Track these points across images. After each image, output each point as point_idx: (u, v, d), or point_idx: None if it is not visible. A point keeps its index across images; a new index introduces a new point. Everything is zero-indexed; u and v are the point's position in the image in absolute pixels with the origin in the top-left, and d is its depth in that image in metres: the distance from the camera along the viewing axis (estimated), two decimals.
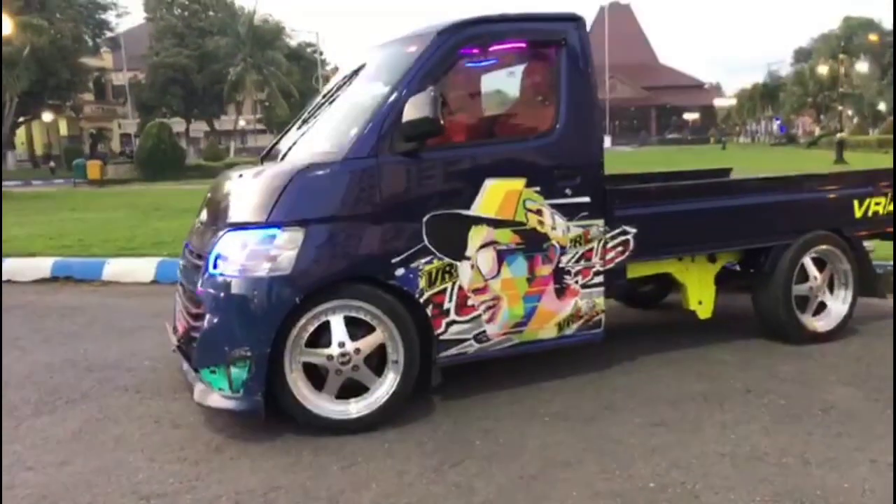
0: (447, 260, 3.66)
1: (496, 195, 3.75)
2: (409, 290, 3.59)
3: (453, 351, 3.76)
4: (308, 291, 3.41)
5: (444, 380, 3.85)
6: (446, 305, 3.69)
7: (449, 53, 3.74)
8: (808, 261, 4.66)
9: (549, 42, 3.99)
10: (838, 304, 4.78)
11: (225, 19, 49.34)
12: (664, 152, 42.28)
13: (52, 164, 39.43)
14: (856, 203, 4.79)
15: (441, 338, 3.71)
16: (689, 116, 70.80)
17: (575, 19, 4.01)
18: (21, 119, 42.92)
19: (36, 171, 42.03)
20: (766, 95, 58.96)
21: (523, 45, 4.08)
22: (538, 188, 3.84)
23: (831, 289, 4.81)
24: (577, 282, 4.00)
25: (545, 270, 3.91)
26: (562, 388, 4.06)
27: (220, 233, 3.60)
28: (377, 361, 3.59)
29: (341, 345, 3.48)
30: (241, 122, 57.05)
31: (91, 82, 49.19)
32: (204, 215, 4.03)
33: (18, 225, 12.13)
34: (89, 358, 4.94)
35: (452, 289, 3.69)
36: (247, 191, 3.68)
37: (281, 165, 3.77)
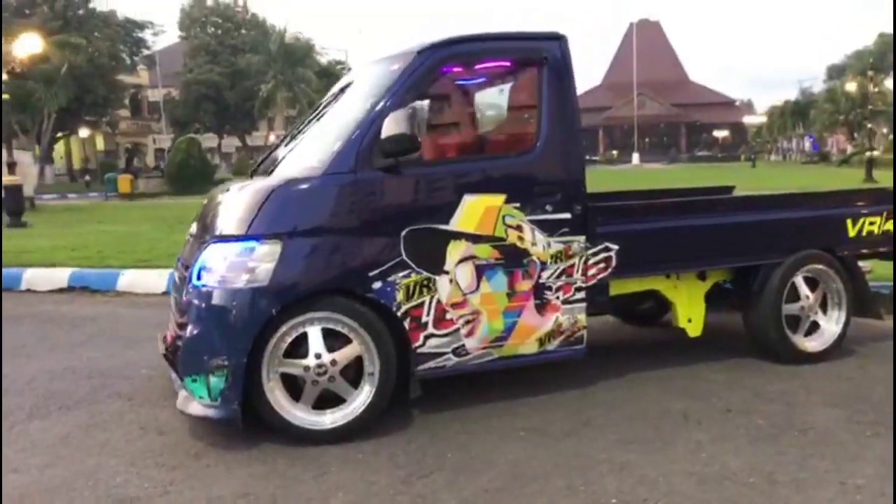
0: (425, 274, 3.72)
1: (475, 211, 3.80)
2: (386, 303, 3.65)
3: (431, 364, 3.80)
4: (285, 303, 3.49)
5: (424, 393, 3.89)
6: (424, 319, 3.74)
7: (429, 72, 3.82)
8: (799, 280, 4.63)
9: (531, 61, 4.05)
10: (831, 325, 4.73)
11: (257, 37, 50.17)
12: (691, 170, 41.87)
13: (87, 177, 40.31)
14: (849, 222, 4.75)
15: (419, 351, 3.75)
16: (720, 134, 70.17)
17: (557, 38, 4.07)
18: (59, 134, 43.98)
19: (72, 184, 42.98)
20: (797, 113, 58.22)
21: (505, 63, 4.15)
22: (518, 204, 3.88)
23: (825, 309, 4.76)
24: (558, 297, 4.02)
25: (525, 286, 3.94)
26: (543, 403, 4.07)
27: (205, 245, 3.70)
28: (354, 373, 3.64)
29: (318, 356, 3.55)
30: (272, 138, 57.77)
31: (127, 99, 50.34)
32: (194, 228, 4.14)
33: (45, 237, 12.46)
34: (90, 366, 5.08)
35: (430, 302, 3.74)
36: (231, 205, 3.78)
37: (264, 180, 3.87)
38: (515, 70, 4.20)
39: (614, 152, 67.71)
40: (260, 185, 3.75)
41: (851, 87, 43.45)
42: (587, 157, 55.36)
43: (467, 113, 4.38)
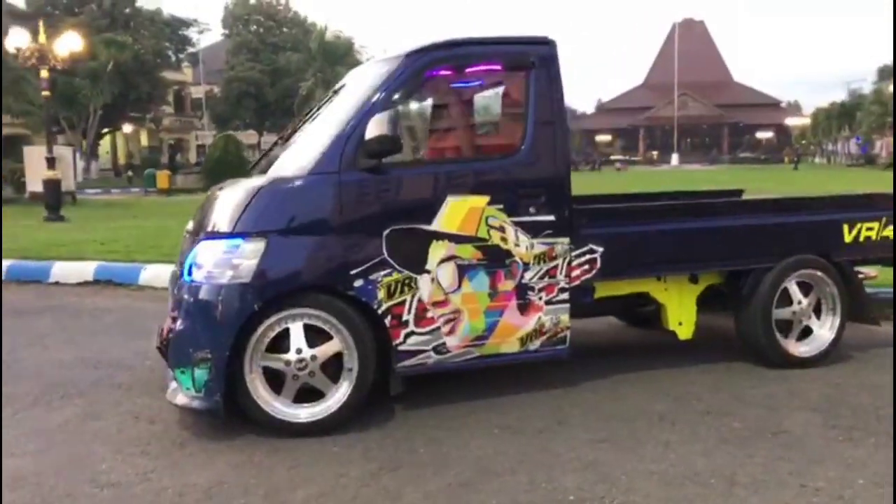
0: (407, 273, 3.81)
1: (458, 212, 3.88)
2: (367, 300, 3.75)
3: (412, 361, 3.90)
4: (267, 299, 3.61)
5: (406, 389, 4.00)
6: (405, 317, 3.83)
7: (415, 75, 3.91)
8: (791, 285, 4.61)
9: (519, 65, 4.11)
10: (824, 330, 4.69)
11: (297, 36, 50.81)
12: (729, 171, 41.28)
13: (129, 173, 41.30)
14: (845, 227, 4.70)
15: (400, 348, 3.85)
16: (763, 135, 68.89)
17: (546, 43, 4.12)
18: (104, 130, 45.11)
19: (116, 179, 44.07)
20: (843, 114, 56.82)
21: (492, 67, 4.22)
22: (501, 206, 3.95)
23: (819, 314, 4.73)
24: (540, 298, 4.08)
25: (508, 286, 4.01)
26: (523, 401, 4.14)
27: (197, 242, 3.85)
28: (335, 369, 3.75)
29: (298, 351, 3.67)
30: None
31: (171, 96, 51.44)
32: (191, 225, 4.30)
33: (79, 230, 12.88)
34: (98, 356, 5.28)
35: (412, 301, 3.83)
36: (222, 203, 3.91)
37: (254, 179, 3.99)
38: (503, 74, 4.27)
39: (654, 153, 66.96)
40: (248, 184, 3.88)
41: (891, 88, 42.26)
42: (628, 158, 54.67)
43: (454, 116, 4.45)
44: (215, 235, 3.75)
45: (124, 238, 11.39)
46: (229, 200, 3.84)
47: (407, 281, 3.81)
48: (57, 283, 8.58)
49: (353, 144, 3.73)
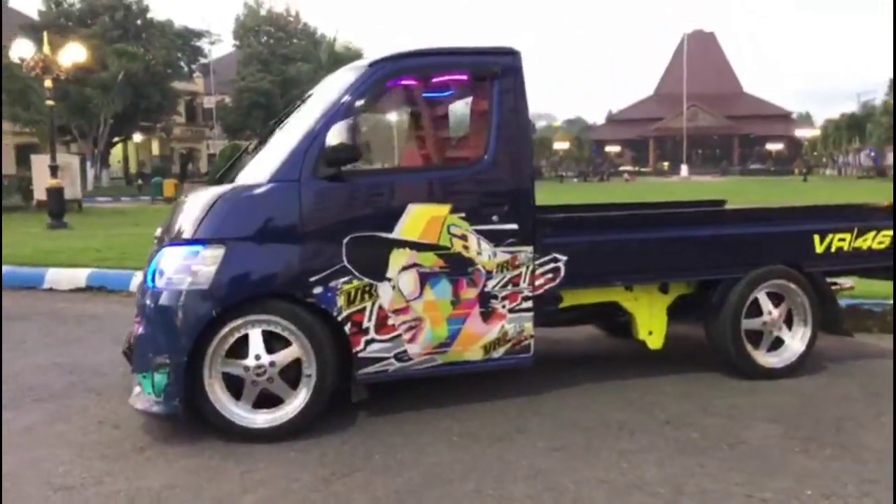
0: (367, 280, 3.83)
1: (419, 220, 3.90)
2: (326, 307, 3.77)
3: (373, 368, 3.91)
4: (225, 305, 3.64)
5: (369, 396, 4.01)
6: (365, 324, 3.85)
7: (377, 84, 3.94)
8: (762, 295, 4.59)
9: (483, 75, 4.13)
10: (795, 341, 4.66)
11: (308, 47, 51.16)
12: (739, 183, 41.11)
13: (139, 181, 41.61)
14: (816, 238, 4.68)
15: (360, 355, 3.86)
16: (773, 147, 68.54)
17: (511, 53, 4.15)
18: (115, 139, 45.51)
19: (127, 188, 44.41)
20: (853, 126, 56.50)
21: (456, 77, 4.25)
22: (463, 214, 3.97)
23: (790, 325, 4.70)
24: (504, 306, 4.09)
25: (470, 294, 4.02)
26: (486, 409, 4.14)
27: (160, 248, 3.89)
28: (294, 375, 3.77)
29: (257, 357, 3.69)
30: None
31: (182, 105, 51.87)
32: (158, 232, 4.34)
33: (79, 238, 12.99)
34: (76, 361, 5.33)
35: (372, 308, 3.85)
36: (186, 210, 3.95)
37: (216, 187, 4.03)
38: (467, 84, 4.29)
39: (664, 164, 66.81)
40: (210, 191, 3.92)
41: None
42: (636, 168, 54.43)
43: (418, 125, 4.48)
44: (177, 242, 3.79)
45: (121, 245, 11.49)
46: (191, 208, 3.88)
47: (367, 288, 3.83)
48: (51, 290, 8.67)
49: (313, 153, 3.77)
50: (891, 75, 53.97)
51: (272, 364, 3.70)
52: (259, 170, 3.95)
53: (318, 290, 3.75)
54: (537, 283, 4.15)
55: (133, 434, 3.89)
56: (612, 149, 71.72)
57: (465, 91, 4.36)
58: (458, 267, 3.98)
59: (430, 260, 3.93)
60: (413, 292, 3.92)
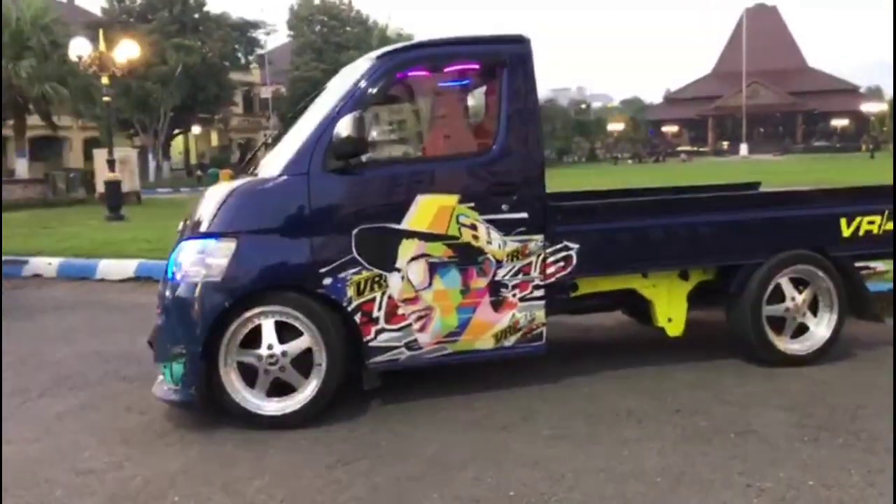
0: (376, 271, 3.89)
1: (428, 210, 3.94)
2: (336, 298, 3.86)
3: (384, 357, 3.98)
4: (237, 297, 3.76)
5: (382, 384, 4.09)
6: (375, 314, 3.92)
7: (386, 76, 3.98)
8: (784, 281, 4.49)
9: (492, 64, 4.14)
10: (821, 328, 4.55)
11: (360, 34, 51.45)
12: (800, 161, 39.80)
13: (199, 172, 42.70)
14: (843, 222, 4.54)
15: (371, 344, 3.94)
16: (838, 123, 65.96)
17: (520, 41, 4.14)
18: (176, 131, 46.77)
19: (187, 179, 45.63)
20: None
21: (466, 67, 4.26)
22: (472, 204, 3.99)
23: (815, 311, 4.59)
24: (514, 295, 4.10)
25: (480, 283, 4.05)
26: (496, 397, 4.17)
27: (179, 242, 4.03)
28: (306, 364, 3.87)
29: (270, 347, 3.80)
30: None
31: (239, 96, 52.87)
32: (181, 226, 4.49)
33: (133, 229, 13.45)
34: (114, 350, 5.56)
35: (382, 298, 3.92)
36: (203, 205, 4.08)
37: (234, 181, 4.15)
38: (477, 73, 4.30)
39: (724, 143, 65.08)
40: (225, 186, 4.03)
41: None
42: (695, 148, 53.15)
43: (427, 115, 4.50)
44: (193, 236, 3.93)
45: (171, 236, 11.76)
46: (208, 202, 4.01)
47: (377, 279, 3.90)
48: (102, 280, 9.03)
49: (322, 146, 3.84)
50: None
51: (284, 353, 3.81)
52: (273, 164, 4.05)
53: (328, 281, 3.84)
54: (548, 271, 4.15)
55: (156, 421, 4.06)
56: (670, 129, 70.22)
57: (474, 80, 4.37)
58: (467, 256, 4.01)
59: (439, 250, 3.97)
60: (422, 282, 3.97)
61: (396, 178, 4.01)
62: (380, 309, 3.92)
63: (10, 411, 4.28)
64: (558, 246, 4.16)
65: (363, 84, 3.95)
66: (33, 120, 27.43)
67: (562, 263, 4.18)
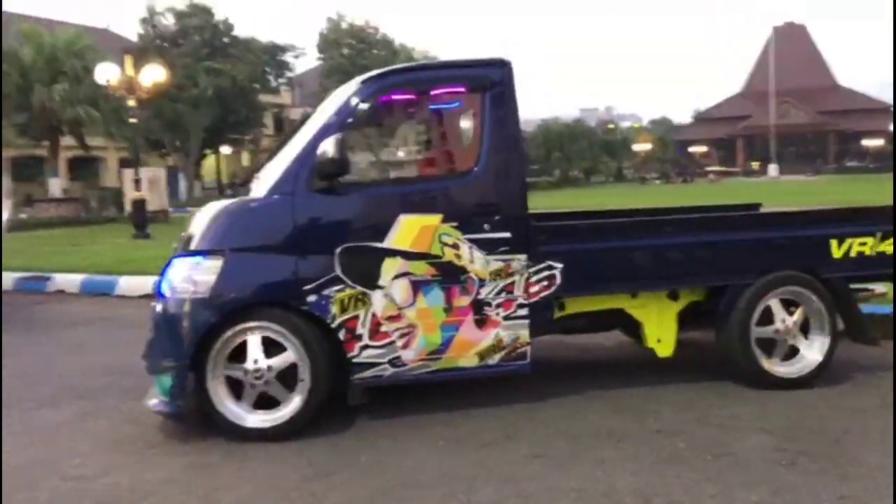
0: (359, 288, 3.97)
1: (410, 230, 4.02)
2: (320, 315, 3.94)
3: (369, 374, 4.05)
4: (224, 313, 3.86)
5: (368, 401, 4.16)
6: (359, 331, 3.99)
7: (369, 100, 4.09)
8: (774, 302, 4.48)
9: (474, 87, 4.23)
10: (812, 350, 4.51)
11: (386, 57, 52.01)
12: (830, 182, 39.19)
13: (229, 192, 43.32)
14: (833, 243, 4.52)
15: (355, 361, 4.01)
16: (871, 142, 64.84)
17: (502, 65, 4.22)
18: (206, 152, 47.61)
19: (219, 198, 46.27)
20: None
21: (448, 90, 4.34)
22: (455, 223, 4.06)
23: (806, 333, 4.56)
24: (498, 313, 4.15)
25: (463, 301, 4.10)
26: (482, 415, 4.21)
27: (170, 260, 4.16)
28: (291, 379, 3.95)
29: (255, 361, 3.90)
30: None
31: (269, 118, 53.74)
32: (175, 244, 4.62)
33: (157, 247, 13.66)
34: (118, 363, 5.69)
35: (366, 315, 3.99)
36: (194, 223, 4.21)
37: (223, 201, 4.27)
38: (459, 96, 4.38)
39: (754, 164, 64.39)
40: (214, 205, 4.16)
41: None
42: (724, 168, 52.43)
43: (410, 138, 4.59)
44: (182, 253, 4.05)
45: None
46: (198, 221, 4.13)
47: (360, 296, 3.98)
48: (121, 297, 9.24)
49: (307, 167, 3.95)
50: None
51: (269, 368, 3.90)
52: (263, 184, 4.16)
53: (312, 298, 3.92)
54: (532, 290, 4.20)
55: (148, 431, 4.16)
56: (699, 149, 69.70)
57: (457, 103, 4.46)
58: (450, 275, 4.07)
59: (422, 268, 4.04)
60: (405, 300, 4.04)
61: (379, 198, 4.10)
62: (363, 326, 4.00)
63: (12, 420, 4.42)
64: (542, 265, 4.20)
65: (347, 107, 4.06)
66: (69, 141, 28.22)
67: (545, 283, 4.22)
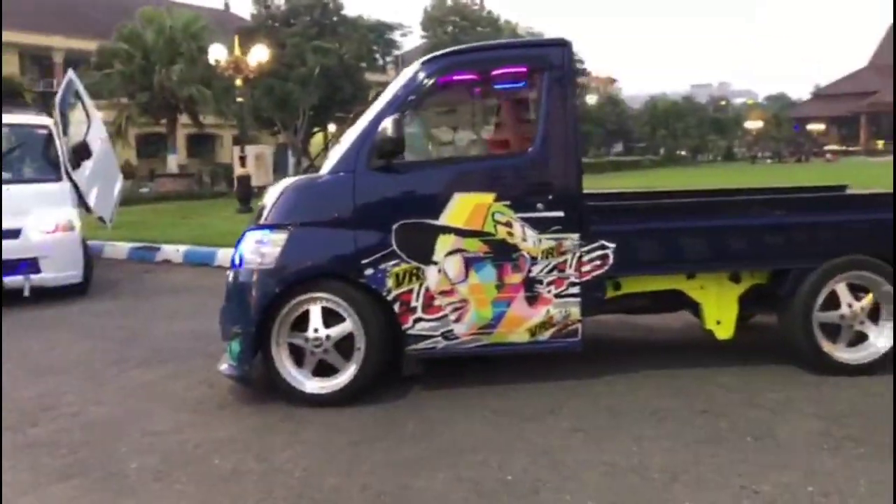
0: (414, 263, 4.15)
1: (465, 208, 4.15)
2: (377, 288, 4.14)
3: (422, 345, 4.23)
4: (287, 283, 4.12)
5: (424, 371, 4.34)
6: (413, 304, 4.17)
7: (427, 80, 4.22)
8: (840, 287, 4.34)
9: (532, 67, 4.28)
10: (881, 337, 4.35)
11: (491, 33, 51.83)
12: None
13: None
14: None
15: (409, 332, 4.20)
16: None
17: (562, 45, 4.25)
18: (315, 129, 49.10)
19: None
20: None
21: (506, 70, 4.41)
22: (508, 202, 4.16)
23: (877, 320, 4.39)
24: (549, 291, 4.23)
25: (515, 278, 4.21)
26: (533, 390, 4.31)
27: (243, 233, 4.46)
28: (348, 348, 4.18)
29: (315, 330, 4.15)
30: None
31: (372, 96, 54.83)
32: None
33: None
34: (208, 329, 6.06)
35: (419, 289, 4.17)
36: (265, 199, 4.49)
37: (291, 178, 4.52)
38: (518, 76, 4.44)
39: (878, 143, 60.30)
40: (283, 182, 4.42)
41: None
42: (843, 148, 49.39)
43: (469, 117, 4.69)
44: (253, 227, 4.34)
45: None
46: (269, 196, 4.41)
47: (415, 271, 4.15)
48: (219, 267, 9.83)
49: (367, 145, 4.14)
50: None
51: (328, 337, 4.14)
52: (328, 162, 4.39)
53: (369, 271, 4.13)
54: (584, 269, 4.25)
55: (221, 393, 4.51)
56: (816, 126, 65.87)
57: (515, 83, 4.52)
58: (502, 252, 4.18)
59: (475, 245, 4.17)
60: (458, 275, 4.18)
61: (435, 177, 4.24)
62: (417, 299, 4.17)
63: (107, 378, 4.89)
64: (594, 245, 4.24)
65: (406, 89, 4.22)
66: (187, 120, 29.90)
67: (598, 262, 4.26)
